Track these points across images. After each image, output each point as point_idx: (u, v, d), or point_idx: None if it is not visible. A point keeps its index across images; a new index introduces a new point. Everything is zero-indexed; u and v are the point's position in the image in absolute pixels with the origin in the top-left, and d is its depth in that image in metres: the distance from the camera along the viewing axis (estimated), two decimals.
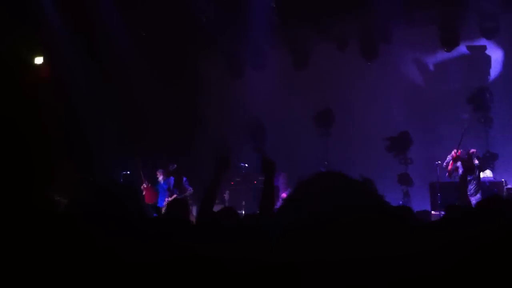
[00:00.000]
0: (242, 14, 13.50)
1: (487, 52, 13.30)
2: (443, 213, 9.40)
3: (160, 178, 12.78)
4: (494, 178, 11.59)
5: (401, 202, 12.42)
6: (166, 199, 12.51)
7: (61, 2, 13.00)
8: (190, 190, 12.33)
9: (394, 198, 12.35)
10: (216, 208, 4.03)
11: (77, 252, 2.36)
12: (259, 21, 13.56)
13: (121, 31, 13.65)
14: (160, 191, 12.81)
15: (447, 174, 11.05)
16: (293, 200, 1.55)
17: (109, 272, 2.26)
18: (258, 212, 3.97)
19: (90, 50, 13.39)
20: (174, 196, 12.28)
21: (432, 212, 11.15)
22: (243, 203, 13.13)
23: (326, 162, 13.70)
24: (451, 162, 10.91)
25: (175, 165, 12.64)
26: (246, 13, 13.53)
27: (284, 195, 12.27)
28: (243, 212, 12.42)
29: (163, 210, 12.32)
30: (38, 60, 13.73)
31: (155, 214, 9.39)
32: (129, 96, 13.97)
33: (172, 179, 12.64)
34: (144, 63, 13.94)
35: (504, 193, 10.84)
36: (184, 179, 12.54)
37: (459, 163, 10.82)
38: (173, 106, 14.52)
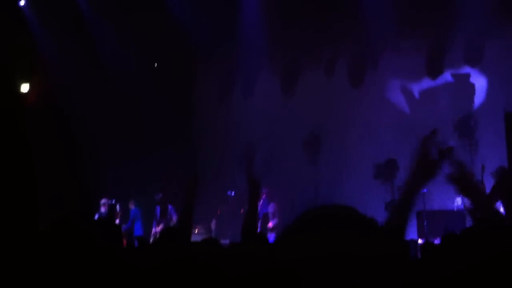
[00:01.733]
0: (233, 40, 13.61)
1: (471, 80, 13.45)
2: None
3: (132, 207, 13.23)
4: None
5: None
6: (153, 229, 12.45)
7: (56, 25, 13.10)
8: (176, 218, 12.22)
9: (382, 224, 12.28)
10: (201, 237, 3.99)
11: (65, 270, 2.31)
12: (249, 48, 13.67)
13: (117, 58, 13.74)
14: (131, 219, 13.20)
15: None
16: (296, 230, 1.47)
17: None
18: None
19: (86, 73, 13.47)
20: (161, 226, 12.18)
21: (419, 241, 11.11)
22: (230, 232, 12.99)
23: (313, 186, 13.64)
24: None
25: (161, 195, 12.56)
26: (236, 39, 13.64)
27: (270, 224, 12.16)
28: (228, 242, 12.27)
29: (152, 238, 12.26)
30: (25, 87, 13.70)
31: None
32: (124, 121, 14.03)
33: (158, 208, 12.56)
34: (139, 89, 13.99)
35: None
36: (170, 207, 12.46)
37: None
38: (164, 133, 14.54)
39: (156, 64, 15.27)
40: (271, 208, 12.38)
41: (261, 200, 12.60)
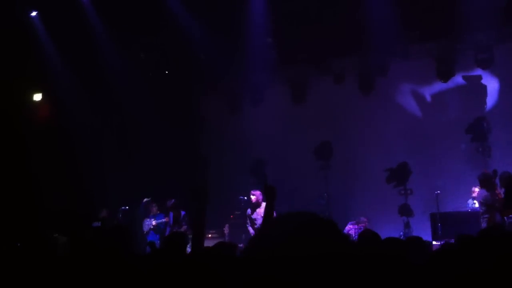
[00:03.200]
0: (241, 51, 13.63)
1: (483, 82, 13.38)
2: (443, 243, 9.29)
3: (157, 212, 12.98)
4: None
5: (401, 233, 12.33)
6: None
7: (63, 43, 13.24)
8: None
9: (395, 229, 12.27)
10: (213, 242, 4.01)
11: None
12: (257, 57, 13.69)
13: (124, 70, 13.85)
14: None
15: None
16: (264, 236, 1.54)
17: None
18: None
19: (92, 88, 13.61)
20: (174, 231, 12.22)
21: (433, 242, 11.06)
22: (243, 236, 13.00)
23: (325, 194, 13.63)
24: None
25: (173, 200, 12.59)
26: (244, 50, 13.65)
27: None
28: (243, 246, 12.27)
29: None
30: (37, 97, 13.86)
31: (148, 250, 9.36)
32: (131, 134, 14.12)
33: (171, 214, 12.59)
34: (146, 102, 14.08)
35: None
36: (183, 213, 12.49)
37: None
38: (175, 144, 14.62)
39: (167, 72, 15.36)
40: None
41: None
